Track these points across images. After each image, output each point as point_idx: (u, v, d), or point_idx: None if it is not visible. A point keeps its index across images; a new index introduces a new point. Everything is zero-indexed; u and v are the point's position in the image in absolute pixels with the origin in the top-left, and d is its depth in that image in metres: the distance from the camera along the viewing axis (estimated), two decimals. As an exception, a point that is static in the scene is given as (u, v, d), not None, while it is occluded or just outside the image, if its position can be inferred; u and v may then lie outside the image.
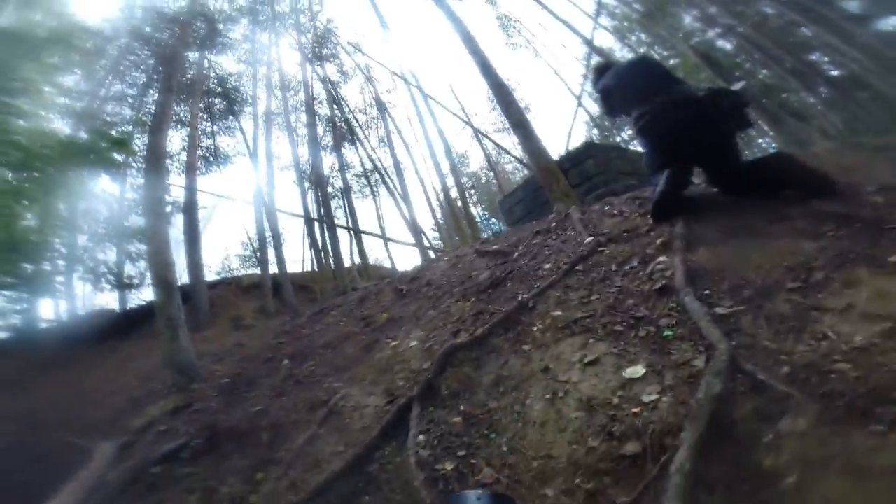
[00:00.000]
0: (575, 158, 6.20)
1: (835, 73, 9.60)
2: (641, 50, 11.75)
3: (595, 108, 15.77)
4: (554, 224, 3.71)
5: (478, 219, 22.33)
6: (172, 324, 4.22)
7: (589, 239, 2.74)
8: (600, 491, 1.13)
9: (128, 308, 9.10)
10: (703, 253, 2.02)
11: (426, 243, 10.03)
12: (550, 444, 1.37)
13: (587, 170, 5.96)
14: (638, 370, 1.44)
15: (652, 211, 2.51)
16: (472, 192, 24.41)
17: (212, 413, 3.04)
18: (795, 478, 0.85)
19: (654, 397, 1.28)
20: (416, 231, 10.28)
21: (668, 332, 1.62)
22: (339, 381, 2.65)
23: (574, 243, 2.87)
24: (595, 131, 15.74)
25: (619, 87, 2.84)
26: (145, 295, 9.74)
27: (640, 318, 1.78)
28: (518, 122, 5.81)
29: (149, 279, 9.95)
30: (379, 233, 11.59)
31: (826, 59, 9.62)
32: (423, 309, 3.26)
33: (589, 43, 10.59)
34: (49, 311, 9.40)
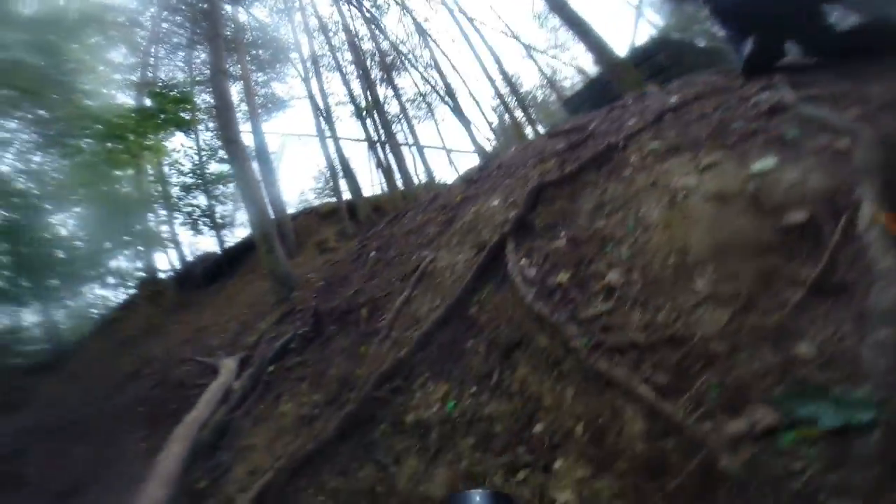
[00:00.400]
0: (645, 53, 5.67)
1: None
2: None
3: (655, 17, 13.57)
4: (630, 102, 3.36)
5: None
6: (268, 238, 4.64)
7: (675, 97, 2.44)
8: (770, 270, 1.03)
9: (226, 248, 10.13)
10: (811, 95, 1.69)
11: (488, 148, 9.72)
12: (683, 239, 1.29)
13: (659, 62, 5.40)
14: (768, 162, 1.29)
15: (744, 68, 2.11)
16: (531, 110, 22.91)
17: (312, 308, 3.36)
18: None
19: (797, 176, 1.14)
20: (477, 139, 9.95)
21: (792, 132, 1.43)
22: (426, 251, 2.75)
23: (659, 105, 2.57)
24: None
25: None
26: (238, 234, 10.76)
27: (754, 132, 1.58)
28: (574, 19, 5.36)
29: (237, 219, 11.06)
30: (440, 145, 11.44)
31: None
32: (499, 183, 3.19)
33: None
34: (164, 261, 10.77)
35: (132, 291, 9.74)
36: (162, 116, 7.56)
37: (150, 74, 10.46)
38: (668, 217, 1.40)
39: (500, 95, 12.63)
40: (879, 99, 1.38)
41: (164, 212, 9.94)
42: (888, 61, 1.74)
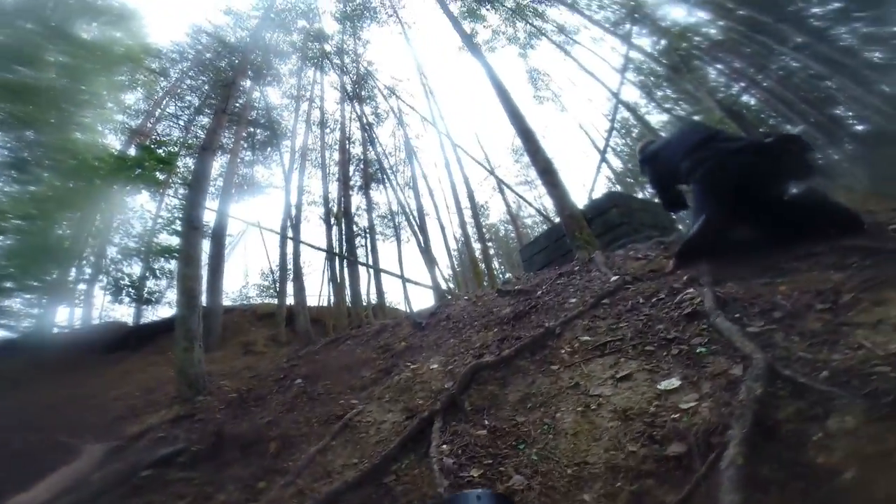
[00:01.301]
0: (599, 208, 6.34)
1: (859, 127, 9.70)
2: (667, 105, 12.32)
3: (618, 164, 16.27)
4: (577, 267, 3.77)
5: (496, 272, 22.43)
6: (190, 335, 4.30)
7: (615, 277, 2.79)
8: (644, 492, 1.11)
9: (141, 322, 9.22)
10: (732, 286, 2.05)
11: (444, 287, 10.03)
12: (585, 451, 1.36)
13: (611, 219, 6.08)
14: (673, 382, 1.45)
15: (678, 254, 2.54)
16: (490, 244, 24.77)
17: (216, 423, 3.00)
18: (853, 474, 0.85)
19: (692, 404, 1.28)
20: (434, 275, 10.35)
21: (701, 349, 1.64)
22: (355, 399, 2.64)
23: (599, 282, 2.92)
24: (617, 187, 16.09)
25: (669, 148, 2.86)
26: (161, 312, 9.90)
27: (672, 339, 1.79)
28: (545, 168, 6.05)
29: (166, 297, 10.26)
30: (398, 273, 11.71)
31: (850, 112, 9.79)
32: (444, 338, 3.27)
33: (615, 96, 11.08)
34: (63, 317, 9.59)
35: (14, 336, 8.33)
36: (138, 170, 7.37)
37: (148, 125, 10.55)
38: (579, 425, 1.49)
39: (464, 226, 13.40)
40: (798, 300, 1.65)
41: (88, 268, 9.11)
42: (818, 233, 2.10)
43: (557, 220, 6.46)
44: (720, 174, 2.40)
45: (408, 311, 11.77)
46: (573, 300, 2.74)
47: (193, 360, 4.19)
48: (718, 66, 10.53)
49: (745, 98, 10.57)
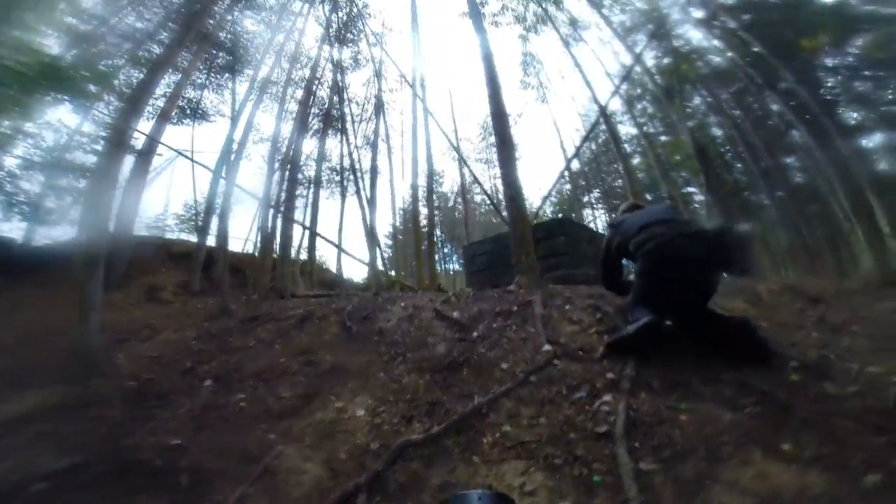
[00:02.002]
0: (549, 230, 6.64)
1: (799, 180, 10.92)
2: (641, 120, 12.81)
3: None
4: (516, 308, 3.95)
5: (436, 239, 22.67)
6: (88, 302, 3.89)
7: (547, 347, 2.99)
8: None
9: (34, 244, 8.10)
10: (643, 399, 2.30)
11: (380, 266, 9.84)
12: None
13: (557, 246, 6.41)
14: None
15: (610, 346, 2.76)
16: (437, 212, 24.79)
17: (114, 427, 2.85)
18: None
19: None
20: (374, 242, 10.15)
21: (597, 478, 1.85)
22: (272, 433, 2.63)
23: (532, 345, 3.10)
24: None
25: (632, 220, 3.10)
26: (57, 235, 8.72)
27: (578, 458, 1.99)
28: (510, 183, 5.99)
29: (69, 217, 9.03)
30: (336, 239, 11.25)
31: (798, 164, 10.92)
32: (374, 365, 3.32)
33: (601, 107, 11.22)
34: None
35: None
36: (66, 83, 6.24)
37: (101, 31, 8.79)
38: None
39: (415, 190, 12.97)
40: (688, 438, 1.89)
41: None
42: (731, 373, 2.32)
43: (504, 213, 6.47)
44: (666, 252, 2.68)
45: (338, 274, 11.62)
46: (505, 365, 2.90)
47: (89, 332, 3.83)
48: (705, 94, 10.98)
49: (714, 130, 11.30)
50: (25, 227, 8.40)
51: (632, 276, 3.47)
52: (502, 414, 2.39)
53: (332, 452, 2.39)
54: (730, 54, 9.55)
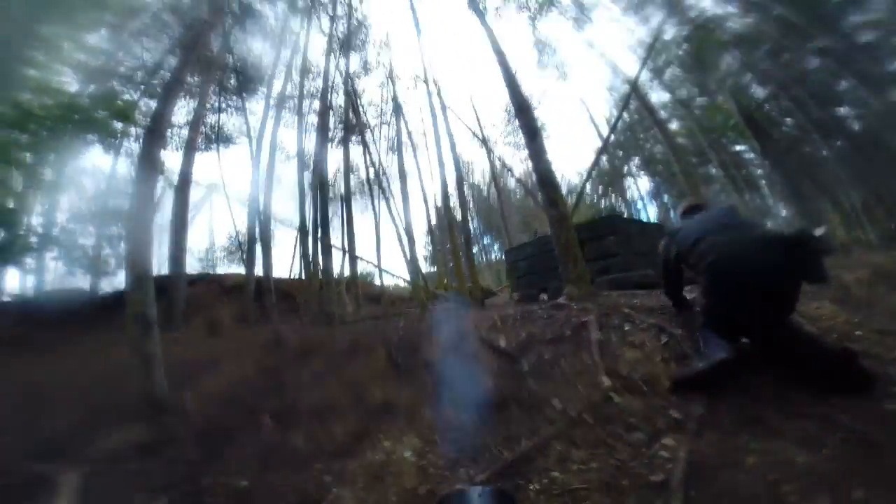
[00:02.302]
0: (595, 231, 6.53)
1: (856, 127, 10.13)
2: (675, 85, 12.36)
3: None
4: (568, 332, 3.97)
5: (472, 232, 22.76)
6: (147, 357, 4.36)
7: (605, 381, 3.00)
8: None
9: (101, 292, 9.16)
10: (710, 440, 2.28)
11: (419, 278, 10.00)
12: None
13: (606, 247, 6.28)
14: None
15: (678, 383, 2.70)
16: (471, 204, 24.95)
17: (189, 466, 3.22)
18: None
19: None
20: (411, 248, 10.41)
21: None
22: (328, 474, 2.86)
23: (588, 377, 3.13)
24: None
25: (692, 223, 3.07)
26: (118, 283, 9.77)
27: None
28: (545, 180, 5.84)
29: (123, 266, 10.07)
30: (374, 250, 11.71)
31: (852, 112, 10.17)
32: (419, 401, 3.49)
33: (631, 84, 10.94)
34: (14, 285, 9.38)
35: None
36: (90, 121, 6.94)
37: (111, 65, 9.88)
38: None
39: (445, 190, 13.06)
40: (753, 485, 1.85)
41: (35, 236, 8.84)
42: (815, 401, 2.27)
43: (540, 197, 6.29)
44: (731, 265, 2.58)
45: (381, 285, 11.99)
46: (556, 402, 2.96)
47: (154, 383, 4.28)
48: (738, 57, 10.47)
49: (754, 89, 10.67)
50: (90, 279, 9.46)
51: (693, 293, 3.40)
52: (551, 458, 2.45)
53: (381, 496, 2.56)
54: (749, 19, 9.01)
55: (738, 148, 13.29)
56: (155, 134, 5.84)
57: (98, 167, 9.35)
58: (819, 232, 2.49)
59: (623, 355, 3.37)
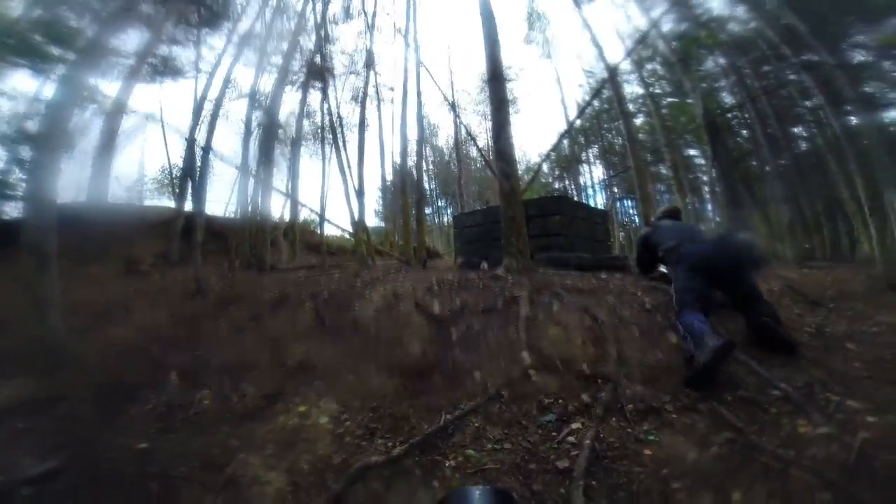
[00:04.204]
0: (543, 209, 6.54)
1: (802, 147, 10.82)
2: (650, 81, 12.46)
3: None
4: (500, 303, 3.96)
5: (427, 193, 22.46)
6: (42, 301, 3.84)
7: (525, 357, 3.01)
8: None
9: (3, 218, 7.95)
10: (613, 427, 2.35)
11: (363, 231, 9.63)
12: None
13: (550, 226, 6.32)
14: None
15: (690, 384, 2.62)
16: (431, 165, 24.50)
17: (84, 425, 2.91)
18: None
19: None
20: (360, 200, 9.98)
21: None
22: (235, 438, 2.68)
23: (510, 352, 3.13)
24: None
25: (669, 228, 3.96)
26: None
27: (534, 493, 2.01)
28: (503, 153, 5.74)
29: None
30: (320, 197, 11.07)
31: (805, 133, 10.78)
32: (341, 364, 3.34)
33: (604, 60, 10.78)
34: None
35: None
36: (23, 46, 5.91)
37: None
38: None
39: (404, 147, 12.53)
40: (641, 482, 1.94)
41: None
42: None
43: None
44: (701, 261, 3.31)
45: (320, 232, 11.47)
46: (478, 374, 2.93)
47: (50, 328, 3.80)
48: (721, 60, 10.52)
49: (725, 97, 10.91)
50: None
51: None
52: (468, 434, 2.42)
53: (293, 463, 2.44)
54: (753, 24, 9.00)
55: (691, 152, 13.73)
56: (85, 57, 5.41)
57: (19, 89, 7.93)
58: (747, 236, 3.65)
59: (547, 333, 3.40)
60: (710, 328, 2.77)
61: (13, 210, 8.73)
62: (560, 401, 2.59)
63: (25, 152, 7.84)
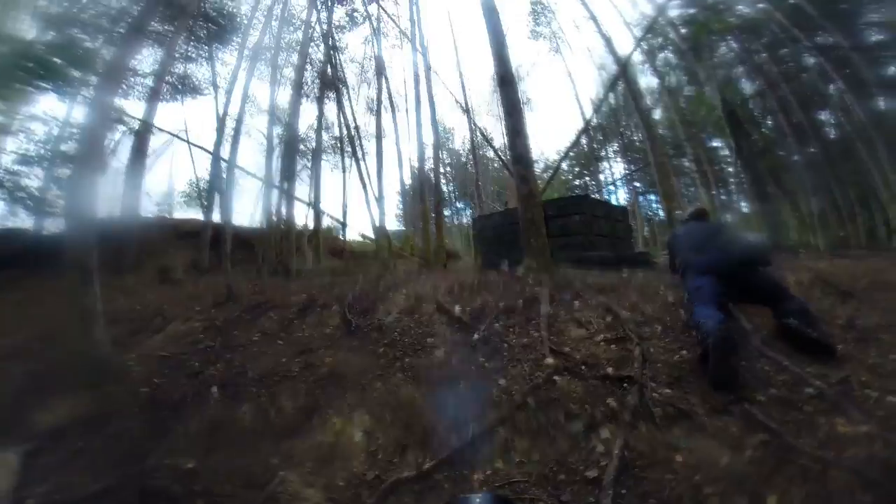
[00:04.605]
0: (562, 209, 6.50)
1: (831, 135, 10.31)
2: (662, 70, 12.05)
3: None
4: (521, 303, 3.96)
5: (445, 195, 22.39)
6: (87, 315, 4.04)
7: (549, 360, 3.01)
8: None
9: (45, 233, 8.34)
10: (643, 433, 2.33)
11: (384, 235, 9.71)
12: None
13: (571, 225, 6.27)
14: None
15: (718, 385, 2.59)
16: (448, 168, 24.40)
17: (134, 443, 3.07)
18: None
19: None
20: (380, 205, 10.08)
21: None
22: (275, 456, 2.78)
23: (534, 355, 3.13)
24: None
25: (687, 238, 3.86)
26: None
27: (563, 503, 2.05)
28: (519, 157, 5.72)
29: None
30: (341, 205, 11.21)
31: (833, 119, 10.27)
32: (369, 373, 3.41)
33: (614, 54, 10.45)
34: None
35: None
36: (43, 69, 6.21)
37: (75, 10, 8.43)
38: None
39: (422, 153, 12.58)
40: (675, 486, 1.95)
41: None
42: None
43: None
44: (730, 260, 3.30)
45: (343, 238, 11.64)
46: (503, 381, 2.95)
47: (93, 341, 4.01)
48: (734, 47, 10.06)
49: (744, 85, 10.45)
50: (34, 221, 8.64)
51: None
52: (496, 446, 2.46)
53: (330, 479, 2.52)
54: (762, 5, 8.54)
55: (714, 144, 13.21)
56: (108, 80, 5.43)
57: (50, 113, 8.32)
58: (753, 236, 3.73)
59: (569, 332, 3.39)
60: (717, 322, 2.72)
61: (52, 226, 9.21)
62: (586, 407, 2.58)
63: (62, 172, 8.25)
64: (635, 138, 17.36)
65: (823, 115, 10.17)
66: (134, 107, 9.36)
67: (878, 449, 1.93)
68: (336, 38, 11.67)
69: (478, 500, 0.61)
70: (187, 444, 3.01)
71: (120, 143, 8.90)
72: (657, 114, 13.67)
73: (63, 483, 2.68)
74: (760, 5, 8.66)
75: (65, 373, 3.94)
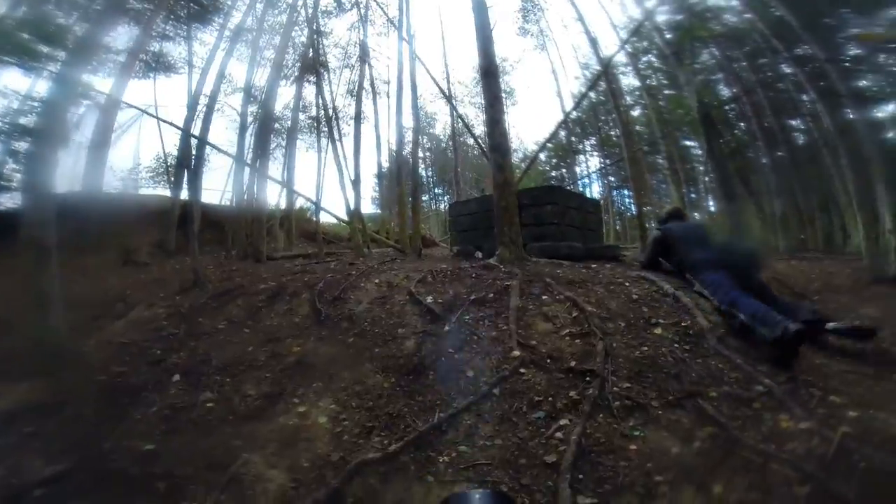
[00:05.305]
0: (536, 198, 6.55)
1: (800, 142, 10.80)
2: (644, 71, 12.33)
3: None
4: (492, 294, 4.02)
5: (423, 181, 22.29)
6: (43, 299, 3.86)
7: (516, 353, 3.08)
8: None
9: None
10: (600, 423, 2.42)
11: (358, 219, 9.61)
12: None
13: (544, 215, 6.34)
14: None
15: (783, 358, 2.77)
16: (428, 153, 24.29)
17: (91, 428, 2.98)
18: None
19: None
20: (355, 188, 9.94)
21: None
22: (237, 439, 2.76)
23: (502, 347, 3.20)
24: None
25: (681, 233, 4.16)
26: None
27: (523, 486, 2.11)
28: (497, 146, 5.79)
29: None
30: (316, 186, 11.00)
31: (803, 126, 10.73)
32: (337, 361, 3.41)
33: (598, 54, 10.57)
34: None
35: None
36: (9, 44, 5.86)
37: None
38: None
39: (401, 137, 12.45)
40: (625, 476, 2.04)
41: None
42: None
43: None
44: (717, 257, 3.66)
45: (316, 220, 11.49)
46: (471, 372, 3.00)
47: (50, 328, 3.84)
48: (715, 53, 10.33)
49: (721, 89, 10.78)
50: None
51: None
52: (461, 431, 2.51)
53: (294, 460, 2.52)
54: (747, 16, 8.81)
55: (687, 143, 13.64)
56: (79, 56, 5.49)
57: (11, 87, 7.81)
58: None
59: (536, 326, 3.47)
60: (775, 313, 2.93)
61: (7, 201, 8.71)
62: (549, 397, 2.66)
63: (20, 145, 7.80)
64: (612, 133, 17.72)
65: (794, 122, 10.63)
66: (102, 83, 8.95)
67: (816, 445, 2.06)
68: (322, 22, 11.42)
69: (477, 496, 0.62)
70: (146, 427, 2.95)
71: (84, 117, 8.47)
72: (635, 112, 14.03)
73: (16, 467, 2.59)
74: (747, 16, 8.92)
75: (17, 360, 3.79)
